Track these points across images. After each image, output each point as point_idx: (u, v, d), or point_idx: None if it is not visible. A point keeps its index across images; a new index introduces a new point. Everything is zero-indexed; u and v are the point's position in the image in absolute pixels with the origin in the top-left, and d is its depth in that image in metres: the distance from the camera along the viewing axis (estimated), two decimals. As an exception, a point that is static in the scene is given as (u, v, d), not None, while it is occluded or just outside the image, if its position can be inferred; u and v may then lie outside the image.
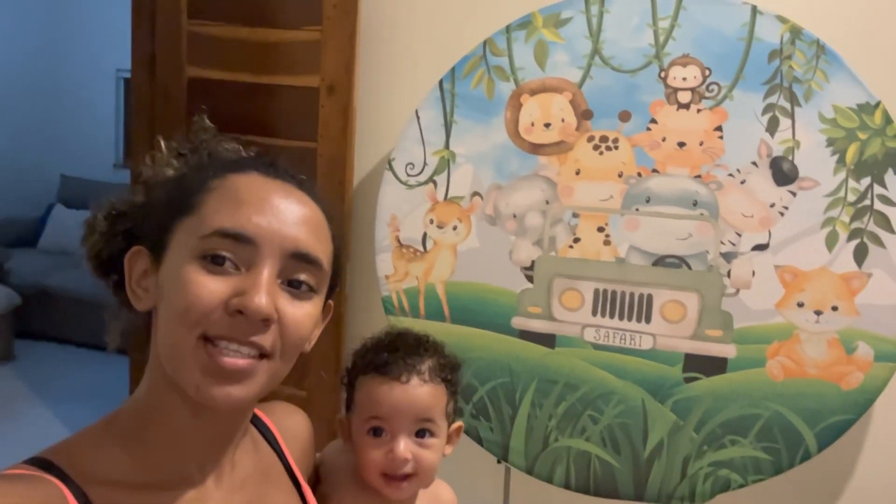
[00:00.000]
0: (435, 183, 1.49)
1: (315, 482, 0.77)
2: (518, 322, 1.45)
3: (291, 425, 0.73)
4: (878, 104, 1.27)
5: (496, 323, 1.46)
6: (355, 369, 0.79)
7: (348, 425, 0.79)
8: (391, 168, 1.51)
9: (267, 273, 0.54)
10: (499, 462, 1.50)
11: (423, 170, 1.49)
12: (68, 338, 4.05)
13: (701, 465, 1.38)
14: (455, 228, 1.48)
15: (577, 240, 1.42)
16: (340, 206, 1.61)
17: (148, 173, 0.63)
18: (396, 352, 0.77)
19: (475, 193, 1.47)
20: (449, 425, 0.80)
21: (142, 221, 0.61)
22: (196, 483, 0.58)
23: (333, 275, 0.62)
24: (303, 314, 0.56)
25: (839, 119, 1.29)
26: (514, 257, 1.45)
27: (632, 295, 1.40)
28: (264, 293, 0.53)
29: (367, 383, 0.76)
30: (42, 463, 0.53)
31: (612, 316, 1.41)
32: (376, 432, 0.76)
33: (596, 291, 1.42)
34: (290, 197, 0.58)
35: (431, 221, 1.49)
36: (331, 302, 0.65)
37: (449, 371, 0.79)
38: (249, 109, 1.76)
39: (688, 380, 1.38)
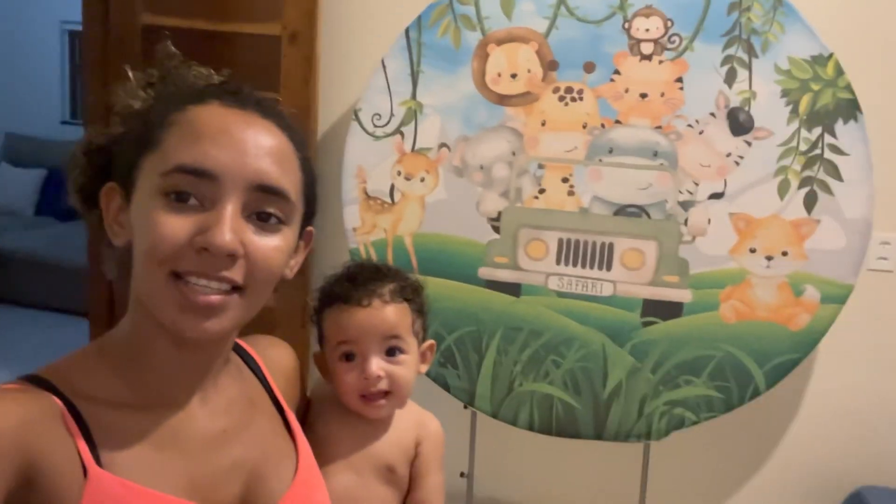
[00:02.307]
0: (402, 134, 1.49)
1: (305, 413, 0.79)
2: (485, 272, 1.49)
3: (275, 356, 0.74)
4: (830, 56, 1.32)
5: (463, 273, 1.49)
6: (321, 304, 0.81)
7: (323, 359, 0.81)
8: (357, 119, 1.50)
9: (230, 208, 0.54)
10: (465, 407, 1.55)
11: (389, 121, 1.49)
12: (21, 299, 3.94)
13: (657, 404, 1.45)
14: (423, 180, 1.49)
15: (542, 191, 1.45)
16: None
17: (120, 103, 0.62)
18: (355, 280, 0.79)
19: (442, 145, 1.48)
20: (419, 343, 0.83)
21: (115, 155, 0.61)
22: (182, 405, 0.60)
23: (309, 202, 0.62)
24: (271, 247, 0.56)
25: (794, 70, 1.34)
26: (481, 208, 1.48)
27: (594, 244, 1.44)
28: (227, 229, 0.53)
29: (332, 313, 0.79)
30: (36, 380, 0.55)
31: (574, 264, 1.45)
32: (348, 357, 0.78)
33: (560, 241, 1.45)
34: (252, 127, 0.57)
35: (399, 173, 1.50)
36: (311, 228, 0.65)
37: (410, 291, 0.81)
38: (208, 58, 1.71)
39: (645, 324, 1.44)
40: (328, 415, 0.79)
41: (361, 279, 0.79)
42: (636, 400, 1.46)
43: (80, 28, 1.86)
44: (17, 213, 4.50)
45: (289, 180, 0.58)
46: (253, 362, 0.71)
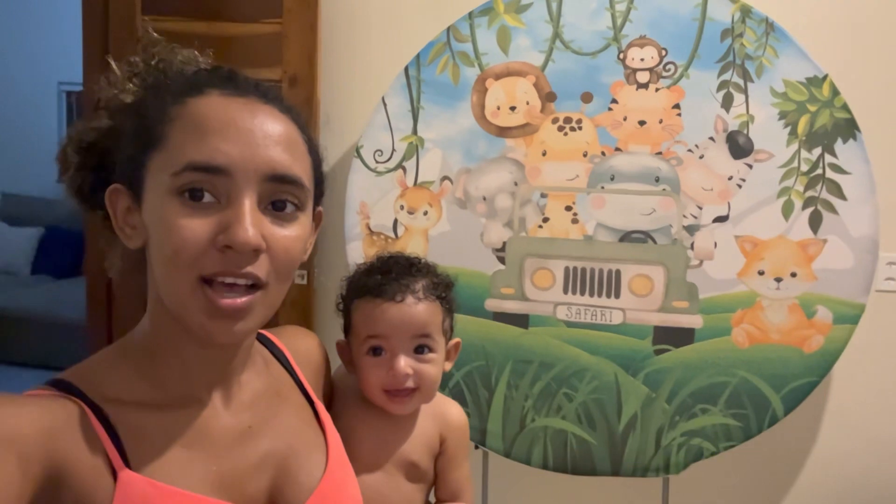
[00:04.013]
0: (404, 169, 1.49)
1: (329, 403, 0.78)
2: (491, 304, 1.47)
3: (303, 347, 0.73)
4: (825, 77, 1.34)
5: (470, 306, 1.47)
6: (350, 293, 0.79)
7: (348, 348, 0.80)
8: (359, 156, 1.51)
9: (248, 203, 0.53)
10: (476, 448, 1.51)
11: (391, 156, 1.49)
12: (16, 359, 3.88)
13: (674, 435, 1.41)
14: (426, 213, 1.49)
15: (546, 219, 1.45)
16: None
17: (105, 95, 0.61)
18: (389, 273, 0.77)
19: (445, 178, 1.48)
20: (447, 342, 0.81)
21: (113, 152, 0.59)
22: (206, 403, 0.60)
23: (318, 183, 0.62)
24: (291, 236, 0.56)
25: (789, 93, 1.36)
26: (486, 239, 1.47)
27: (601, 271, 1.43)
28: (249, 224, 0.53)
29: (362, 306, 0.77)
30: (61, 384, 0.55)
31: (582, 293, 1.44)
32: (376, 351, 0.77)
33: (566, 269, 1.44)
34: (257, 115, 0.56)
35: (402, 207, 1.49)
36: (320, 209, 0.65)
37: (443, 289, 0.80)
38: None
39: (658, 352, 1.41)
40: (350, 408, 0.77)
41: (395, 273, 0.77)
42: (652, 432, 1.42)
43: (77, 89, 1.89)
44: (14, 272, 4.48)
45: (300, 166, 0.58)
46: (280, 354, 0.70)
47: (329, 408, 0.75)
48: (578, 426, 1.44)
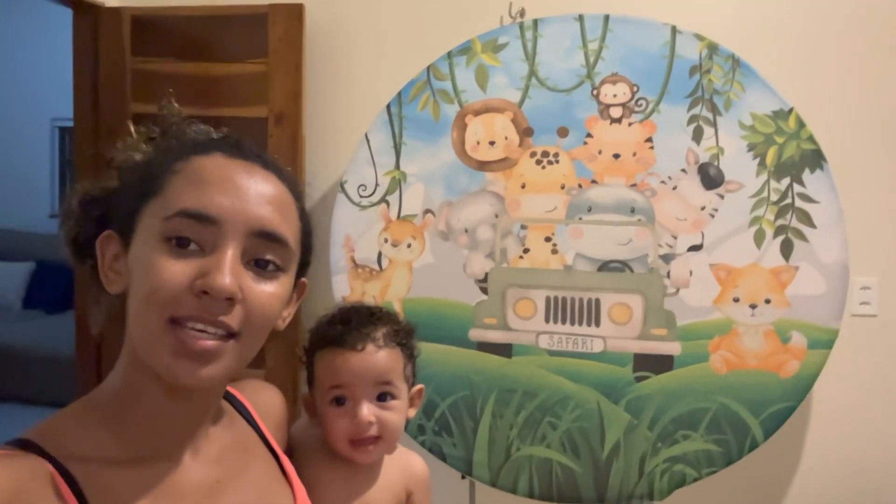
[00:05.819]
0: (387, 203, 1.53)
1: (290, 456, 0.77)
2: (475, 334, 1.49)
3: (265, 400, 0.74)
4: (791, 110, 1.40)
5: (454, 336, 1.49)
6: (312, 345, 0.80)
7: (312, 401, 0.80)
8: (343, 190, 1.55)
9: (231, 253, 0.54)
10: (463, 477, 1.52)
11: (375, 190, 1.53)
12: (7, 395, 3.85)
13: (657, 462, 1.43)
14: (409, 246, 1.52)
15: (526, 250, 1.48)
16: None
17: (119, 157, 0.63)
18: (349, 323, 0.79)
19: (427, 211, 1.52)
20: (409, 388, 0.82)
21: (115, 206, 0.61)
22: (174, 458, 0.59)
23: (305, 252, 0.63)
24: (268, 293, 0.57)
25: (757, 125, 1.41)
26: (468, 270, 1.50)
27: (581, 300, 1.46)
28: (227, 272, 0.53)
29: (324, 356, 0.78)
30: (23, 443, 0.54)
31: (563, 322, 1.47)
32: (339, 401, 0.77)
33: (547, 299, 1.47)
34: (254, 176, 0.58)
35: (386, 240, 1.53)
36: (304, 280, 0.65)
37: (403, 336, 0.81)
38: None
39: (638, 379, 1.44)
40: (314, 460, 0.78)
41: (355, 322, 0.79)
42: (636, 458, 1.43)
43: (70, 124, 1.92)
44: (5, 307, 4.47)
45: (288, 227, 0.59)
46: (243, 408, 0.70)
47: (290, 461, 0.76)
48: (563, 454, 1.46)
